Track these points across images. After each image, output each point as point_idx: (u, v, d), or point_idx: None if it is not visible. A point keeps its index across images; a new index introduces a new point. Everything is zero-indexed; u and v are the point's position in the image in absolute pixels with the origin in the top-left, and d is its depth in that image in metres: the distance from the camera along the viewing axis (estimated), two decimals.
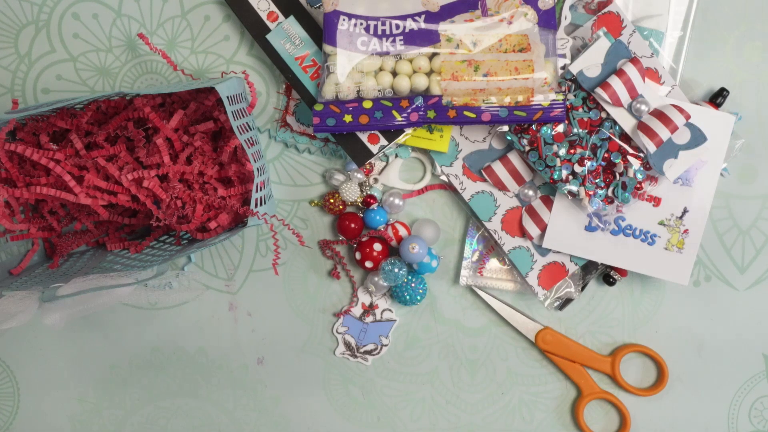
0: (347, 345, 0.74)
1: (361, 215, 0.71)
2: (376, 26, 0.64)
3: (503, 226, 0.69)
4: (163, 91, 0.58)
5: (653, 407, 0.73)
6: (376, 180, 0.71)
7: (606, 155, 0.65)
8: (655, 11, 0.67)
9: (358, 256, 0.70)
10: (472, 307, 0.73)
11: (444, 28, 0.63)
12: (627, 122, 0.64)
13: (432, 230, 0.70)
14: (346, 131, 0.65)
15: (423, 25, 0.63)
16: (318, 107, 0.64)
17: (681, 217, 0.67)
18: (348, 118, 0.64)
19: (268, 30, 0.67)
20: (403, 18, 0.64)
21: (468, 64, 0.63)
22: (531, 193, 0.68)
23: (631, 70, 0.63)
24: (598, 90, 0.63)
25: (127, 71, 0.72)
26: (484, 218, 0.70)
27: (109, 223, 0.71)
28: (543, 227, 0.68)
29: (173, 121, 0.64)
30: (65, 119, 0.66)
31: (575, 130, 0.65)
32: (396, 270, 0.69)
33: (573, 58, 0.66)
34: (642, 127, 0.63)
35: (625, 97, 0.63)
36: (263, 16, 0.67)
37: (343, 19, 0.64)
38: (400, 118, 0.64)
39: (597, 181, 0.65)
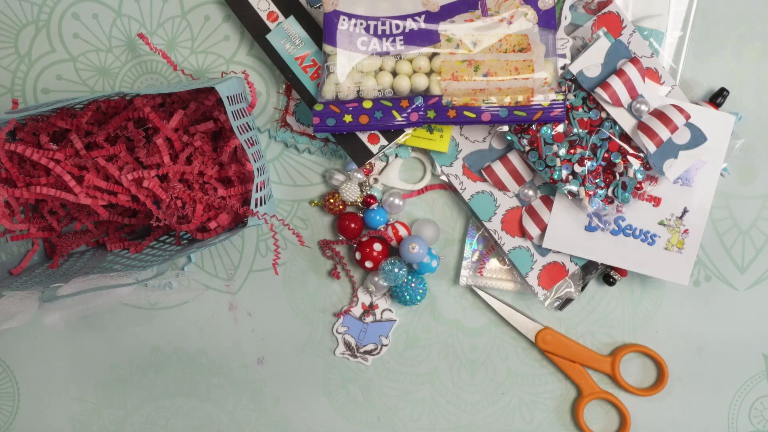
0: (347, 345, 0.74)
1: (361, 215, 0.71)
2: (376, 26, 0.64)
3: (503, 226, 0.69)
4: (163, 91, 0.58)
5: (653, 407, 0.73)
6: (376, 180, 0.71)
7: (606, 155, 0.65)
8: (655, 11, 0.67)
9: (358, 256, 0.70)
10: (472, 307, 0.73)
11: (444, 28, 0.63)
12: (627, 122, 0.64)
13: (432, 230, 0.70)
14: (346, 131, 0.65)
15: (423, 25, 0.63)
16: (318, 107, 0.64)
17: (681, 217, 0.67)
18: (348, 118, 0.64)
19: (268, 30, 0.67)
20: (403, 18, 0.64)
21: (468, 64, 0.63)
22: (531, 193, 0.68)
23: (631, 70, 0.63)
24: (598, 90, 0.63)
25: (127, 71, 0.72)
26: (484, 218, 0.70)
27: (109, 223, 0.71)
28: (543, 227, 0.68)
29: (173, 121, 0.64)
30: (65, 119, 0.66)
31: (575, 130, 0.65)
32: (396, 270, 0.69)
33: (573, 58, 0.66)
34: (642, 127, 0.63)
35: (625, 97, 0.63)
36: (263, 16, 0.67)
37: (343, 19, 0.64)
38: (400, 118, 0.64)
39: (597, 181, 0.65)
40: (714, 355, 0.73)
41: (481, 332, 0.74)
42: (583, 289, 0.71)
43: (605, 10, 0.66)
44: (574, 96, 0.65)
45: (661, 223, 0.67)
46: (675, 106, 0.63)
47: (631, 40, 0.65)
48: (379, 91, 0.64)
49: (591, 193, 0.65)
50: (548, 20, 0.63)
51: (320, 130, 0.65)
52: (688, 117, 0.63)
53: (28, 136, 0.67)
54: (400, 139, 0.67)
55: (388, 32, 0.64)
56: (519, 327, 0.72)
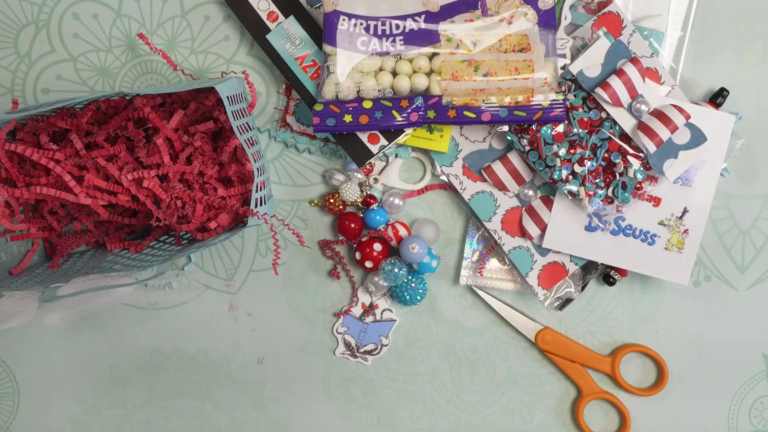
0: (347, 345, 0.74)
1: (361, 215, 0.71)
2: (376, 26, 0.64)
3: (503, 226, 0.69)
4: (163, 91, 0.58)
5: (653, 407, 0.73)
6: (376, 180, 0.71)
7: (606, 155, 0.65)
8: (655, 11, 0.67)
9: (358, 256, 0.70)
10: (472, 307, 0.73)
11: (444, 28, 0.63)
12: (627, 122, 0.64)
13: (432, 230, 0.70)
14: (346, 131, 0.65)
15: (423, 25, 0.63)
16: (318, 107, 0.64)
17: (681, 217, 0.67)
18: (348, 118, 0.64)
19: (268, 30, 0.67)
20: (403, 18, 0.64)
21: (468, 64, 0.63)
22: (531, 193, 0.68)
23: (631, 70, 0.63)
24: (598, 90, 0.63)
25: (127, 71, 0.72)
26: (484, 218, 0.70)
27: (109, 223, 0.71)
28: (543, 227, 0.68)
29: (173, 121, 0.64)
30: (65, 119, 0.66)
31: (575, 130, 0.65)
32: (396, 270, 0.69)
33: (573, 58, 0.66)
34: (642, 127, 0.63)
35: (625, 97, 0.63)
36: (263, 16, 0.67)
37: (343, 19, 0.64)
38: (400, 118, 0.64)
39: (597, 181, 0.65)
40: (714, 355, 0.73)
41: (481, 332, 0.74)
42: (583, 289, 0.71)
43: (605, 10, 0.66)
44: (574, 96, 0.65)
45: (661, 223, 0.67)
46: (675, 106, 0.63)
47: (631, 40, 0.65)
48: (379, 91, 0.64)
49: (591, 193, 0.65)
50: (548, 20, 0.63)
51: (320, 130, 0.65)
52: (688, 117, 0.63)
53: (28, 136, 0.67)
54: (400, 139, 0.67)
55: (388, 32, 0.64)
56: (519, 327, 0.72)
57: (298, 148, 0.72)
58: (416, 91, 0.64)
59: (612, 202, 0.66)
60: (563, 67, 0.65)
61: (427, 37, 0.63)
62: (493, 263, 0.72)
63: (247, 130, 0.63)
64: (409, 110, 0.64)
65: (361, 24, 0.64)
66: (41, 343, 0.75)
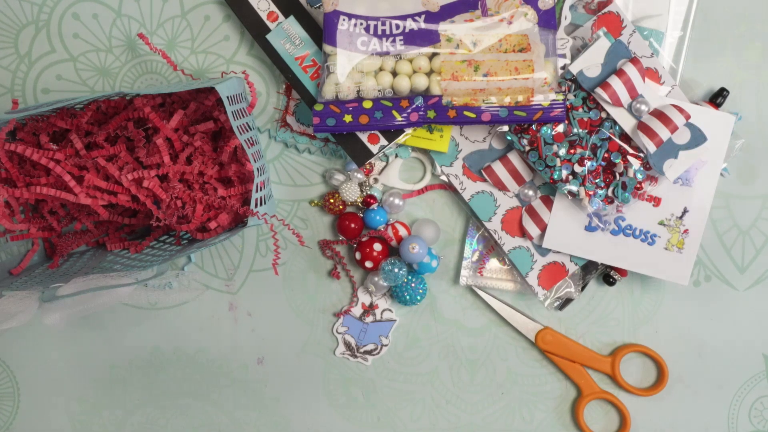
0: (347, 345, 0.74)
1: (361, 215, 0.71)
2: (376, 26, 0.64)
3: (503, 226, 0.69)
4: (163, 91, 0.58)
5: (653, 407, 0.73)
6: (376, 180, 0.71)
7: (606, 155, 0.65)
8: (655, 11, 0.67)
9: (358, 256, 0.70)
10: (472, 307, 0.73)
11: (444, 28, 0.63)
12: (627, 122, 0.64)
13: (432, 230, 0.70)
14: (346, 131, 0.65)
15: (423, 25, 0.63)
16: (318, 107, 0.64)
17: (681, 217, 0.67)
18: (348, 118, 0.64)
19: (268, 30, 0.67)
20: (403, 18, 0.64)
21: (468, 64, 0.63)
22: (531, 193, 0.68)
23: (631, 70, 0.63)
24: (598, 90, 0.63)
25: (127, 71, 0.72)
26: (484, 218, 0.70)
27: (109, 223, 0.71)
28: (543, 227, 0.68)
29: (173, 121, 0.64)
30: (65, 119, 0.66)
31: (575, 130, 0.65)
32: (396, 270, 0.69)
33: (573, 58, 0.66)
34: (642, 127, 0.63)
35: (625, 97, 0.63)
36: (263, 16, 0.67)
37: (343, 19, 0.64)
38: (400, 118, 0.64)
39: (597, 181, 0.65)
40: (714, 355, 0.73)
41: (481, 332, 0.74)
42: (583, 289, 0.71)
43: (605, 10, 0.66)
44: (574, 96, 0.65)
45: (661, 223, 0.67)
46: (675, 106, 0.63)
47: (631, 40, 0.65)
48: (379, 91, 0.64)
49: (591, 193, 0.65)
50: (548, 20, 0.63)
51: (320, 130, 0.65)
52: (688, 117, 0.63)
53: (28, 136, 0.67)
54: (400, 139, 0.67)
55: (388, 32, 0.64)
56: (519, 327, 0.72)
57: (298, 148, 0.72)
58: (416, 91, 0.64)
59: (612, 202, 0.66)
60: (563, 67, 0.65)
61: (427, 37, 0.63)
62: (493, 263, 0.72)
63: (247, 130, 0.63)
64: (409, 110, 0.64)
65: (361, 24, 0.64)
66: (41, 343, 0.75)
